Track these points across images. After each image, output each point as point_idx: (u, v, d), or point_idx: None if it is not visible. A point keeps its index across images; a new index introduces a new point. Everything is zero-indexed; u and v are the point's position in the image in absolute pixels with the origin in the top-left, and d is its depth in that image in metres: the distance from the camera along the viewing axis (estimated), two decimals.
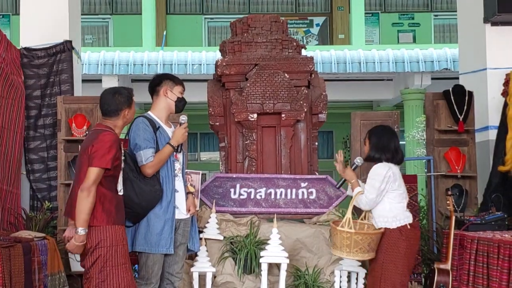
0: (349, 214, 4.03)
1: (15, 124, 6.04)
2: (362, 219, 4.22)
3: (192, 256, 5.04)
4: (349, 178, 4.24)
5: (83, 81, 7.39)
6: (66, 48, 6.49)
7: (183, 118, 4.09)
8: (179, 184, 4.07)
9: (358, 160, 4.29)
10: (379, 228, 4.07)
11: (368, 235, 3.98)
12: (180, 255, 4.10)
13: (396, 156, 4.16)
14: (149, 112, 4.08)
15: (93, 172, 3.41)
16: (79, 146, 6.09)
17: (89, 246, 3.46)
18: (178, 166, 4.07)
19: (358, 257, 4.10)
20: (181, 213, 4.06)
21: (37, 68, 6.48)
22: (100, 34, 15.07)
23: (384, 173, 4.05)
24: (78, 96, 6.56)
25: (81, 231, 3.40)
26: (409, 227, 4.05)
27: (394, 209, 4.07)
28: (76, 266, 5.85)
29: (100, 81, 11.29)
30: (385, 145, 4.16)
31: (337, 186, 4.52)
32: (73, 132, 6.06)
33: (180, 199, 4.06)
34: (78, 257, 5.75)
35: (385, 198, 4.08)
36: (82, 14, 7.78)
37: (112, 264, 3.44)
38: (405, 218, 4.08)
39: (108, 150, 3.45)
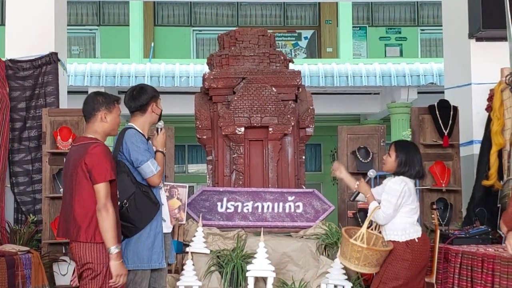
0: (364, 229, 4.08)
1: None
2: (372, 229, 4.25)
3: (178, 270, 5.01)
4: (364, 192, 4.31)
5: (69, 92, 7.35)
6: (51, 60, 6.47)
7: (160, 123, 4.06)
8: (163, 196, 4.04)
9: (371, 173, 4.39)
10: (388, 242, 4.15)
11: (378, 251, 4.02)
12: (165, 269, 4.07)
13: (420, 171, 4.27)
14: (132, 125, 3.97)
15: (101, 189, 3.33)
16: (64, 159, 6.06)
17: (89, 261, 3.35)
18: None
19: (365, 270, 4.19)
20: (167, 226, 4.04)
21: (22, 80, 6.45)
22: (87, 45, 15.02)
23: (400, 189, 4.13)
24: (63, 108, 6.53)
25: (114, 249, 3.32)
26: (417, 241, 4.12)
27: (404, 223, 4.15)
28: (60, 279, 5.81)
29: (86, 92, 11.23)
30: (416, 162, 4.23)
31: (352, 199, 4.60)
32: (58, 145, 6.02)
33: (164, 211, 4.03)
34: (63, 271, 5.78)
35: (397, 212, 4.14)
36: (68, 25, 7.75)
37: (109, 282, 3.37)
38: (414, 232, 4.16)
39: (104, 162, 3.37)
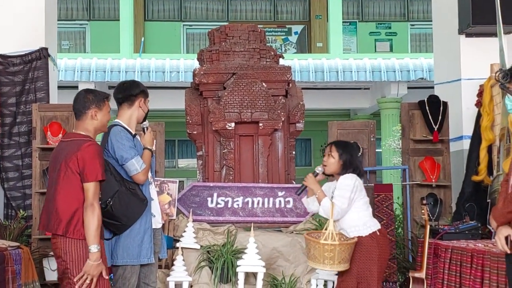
0: (331, 227, 4.03)
1: None
2: (326, 229, 4.21)
3: (168, 265, 5.02)
4: (313, 187, 4.18)
5: (59, 87, 7.32)
6: (42, 55, 6.42)
7: (145, 123, 4.06)
8: (153, 191, 4.04)
9: (320, 169, 4.30)
10: (353, 238, 4.11)
11: (349, 245, 4.01)
12: (155, 264, 4.07)
13: (362, 170, 4.34)
14: (119, 121, 3.95)
15: (90, 188, 3.32)
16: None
17: (75, 258, 3.32)
18: (149, 173, 4.04)
19: (340, 268, 4.06)
20: (157, 221, 4.03)
21: (13, 75, 6.40)
22: (77, 40, 14.94)
23: (352, 183, 4.13)
24: (53, 103, 6.50)
25: (94, 248, 3.29)
26: (378, 233, 4.12)
27: (363, 217, 4.15)
28: (50, 275, 5.79)
29: (76, 87, 11.17)
30: (358, 162, 4.30)
31: (297, 194, 4.41)
32: (48, 140, 5.99)
33: (155, 207, 4.03)
34: (53, 266, 5.76)
35: (352, 207, 4.13)
36: (58, 20, 7.70)
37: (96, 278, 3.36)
38: (375, 225, 4.16)
39: (97, 161, 3.36)
